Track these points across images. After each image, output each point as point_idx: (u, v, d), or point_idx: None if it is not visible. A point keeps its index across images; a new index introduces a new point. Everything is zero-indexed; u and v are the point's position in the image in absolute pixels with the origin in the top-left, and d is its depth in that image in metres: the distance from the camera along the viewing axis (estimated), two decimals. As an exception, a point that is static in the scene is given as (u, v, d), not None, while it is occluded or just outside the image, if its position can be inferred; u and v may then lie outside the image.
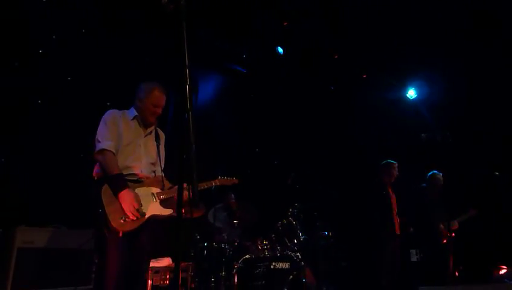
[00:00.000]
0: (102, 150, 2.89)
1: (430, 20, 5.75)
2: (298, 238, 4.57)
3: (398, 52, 6.41)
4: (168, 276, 4.32)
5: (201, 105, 6.02)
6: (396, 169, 5.38)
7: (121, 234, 2.75)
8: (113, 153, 2.91)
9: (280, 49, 6.35)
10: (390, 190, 5.36)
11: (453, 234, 5.44)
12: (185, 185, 2.93)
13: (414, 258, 5.54)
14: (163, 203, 3.04)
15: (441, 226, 5.31)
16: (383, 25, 5.94)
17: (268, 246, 4.48)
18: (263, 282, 4.07)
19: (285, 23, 5.91)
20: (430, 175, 5.66)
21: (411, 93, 7.31)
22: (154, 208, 2.98)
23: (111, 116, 3.05)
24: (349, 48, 6.45)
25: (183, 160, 1.76)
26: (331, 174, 6.79)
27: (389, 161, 5.45)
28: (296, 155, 6.80)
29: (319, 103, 7.18)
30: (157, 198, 3.03)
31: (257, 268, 4.17)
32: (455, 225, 5.42)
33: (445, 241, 5.31)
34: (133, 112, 3.15)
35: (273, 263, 4.16)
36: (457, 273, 4.84)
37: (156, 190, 3.06)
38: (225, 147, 6.25)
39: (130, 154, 3.01)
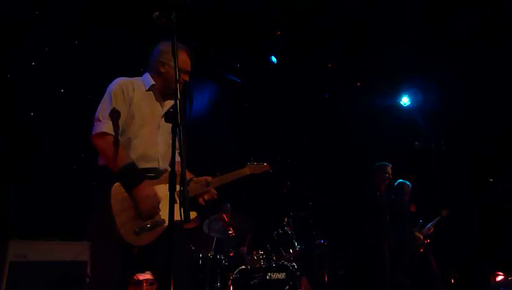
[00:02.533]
0: (103, 134, 2.21)
1: (424, 27, 5.81)
2: (294, 247, 4.56)
3: (392, 60, 6.45)
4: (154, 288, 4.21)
5: (196, 115, 6.02)
6: (390, 171, 5.26)
7: (136, 251, 2.15)
8: (117, 138, 2.23)
9: (274, 59, 6.38)
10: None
11: (428, 240, 5.46)
12: (208, 178, 2.52)
13: None
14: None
15: (416, 234, 5.31)
16: (377, 33, 5.99)
17: (264, 257, 4.45)
18: (259, 293, 4.05)
19: (278, 33, 5.94)
20: (398, 183, 5.66)
21: (405, 100, 7.35)
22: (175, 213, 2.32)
23: (118, 85, 2.33)
24: (343, 55, 6.49)
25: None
26: (327, 183, 6.80)
27: (382, 162, 5.34)
28: (291, 164, 6.81)
29: (313, 111, 7.20)
30: (177, 199, 2.22)
31: (253, 279, 4.15)
32: (430, 229, 5.43)
33: (422, 249, 5.33)
34: (149, 80, 2.44)
35: (269, 274, 4.15)
36: (453, 281, 4.82)
37: (176, 188, 2.34)
38: (220, 157, 6.24)
39: (144, 139, 2.32)
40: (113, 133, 2.22)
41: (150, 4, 2.27)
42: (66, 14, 4.49)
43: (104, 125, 2.22)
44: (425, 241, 5.50)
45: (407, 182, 5.58)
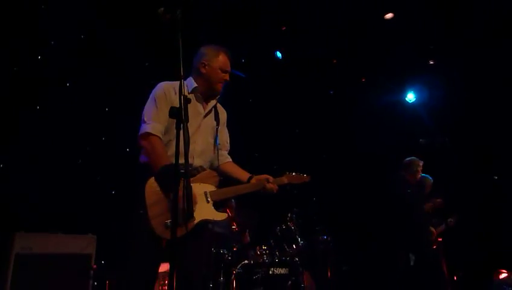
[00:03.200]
0: (148, 135, 2.37)
1: (429, 23, 5.77)
2: (297, 243, 4.57)
3: (397, 56, 6.42)
4: (166, 281, 4.29)
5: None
6: (421, 167, 5.09)
7: (164, 243, 2.23)
8: (160, 139, 2.39)
9: (279, 54, 6.37)
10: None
11: (440, 239, 5.41)
12: (270, 178, 2.73)
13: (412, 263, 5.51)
14: (217, 205, 2.48)
15: (431, 228, 5.25)
16: (382, 29, 5.96)
17: (267, 252, 4.46)
18: (262, 288, 4.06)
19: (283, 28, 5.92)
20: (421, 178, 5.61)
21: (410, 97, 7.31)
22: (205, 211, 2.39)
23: (162, 90, 2.48)
24: (348, 52, 6.46)
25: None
26: (330, 179, 6.79)
27: (413, 157, 5.17)
28: (295, 159, 6.80)
29: (318, 107, 7.18)
30: (210, 198, 2.44)
31: (256, 274, 4.16)
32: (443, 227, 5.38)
33: (435, 246, 5.29)
34: (192, 83, 2.59)
35: (272, 269, 4.16)
36: (455, 279, 4.82)
37: (210, 187, 2.47)
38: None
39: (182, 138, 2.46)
40: (156, 134, 2.38)
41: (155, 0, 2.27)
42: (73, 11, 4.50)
43: (149, 126, 2.38)
44: (438, 240, 5.44)
45: (429, 177, 5.47)
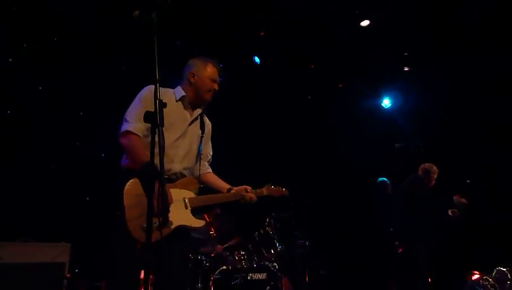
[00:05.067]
0: (128, 133, 2.38)
1: (404, 31, 5.90)
2: (275, 248, 4.57)
3: (373, 62, 6.54)
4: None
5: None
6: (436, 174, 5.18)
7: (139, 246, 2.21)
8: (140, 138, 2.39)
9: (257, 59, 6.38)
10: None
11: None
12: (248, 188, 2.87)
13: None
14: (195, 212, 2.49)
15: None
16: (358, 35, 6.05)
17: (245, 257, 4.45)
18: (240, 293, 4.04)
19: (262, 33, 5.95)
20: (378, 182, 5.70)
21: (386, 102, 7.45)
22: (183, 217, 2.41)
23: (149, 91, 2.48)
24: (325, 57, 6.54)
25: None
26: (308, 183, 6.83)
27: (432, 164, 5.24)
28: (273, 164, 6.82)
29: (296, 112, 7.23)
30: (189, 205, 2.47)
31: (234, 279, 4.14)
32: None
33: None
34: (180, 91, 2.65)
35: (250, 274, 4.14)
36: (430, 280, 4.90)
37: (189, 194, 2.51)
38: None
39: (168, 143, 2.39)
40: (137, 133, 2.39)
41: (130, 3, 2.25)
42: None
43: (130, 125, 2.40)
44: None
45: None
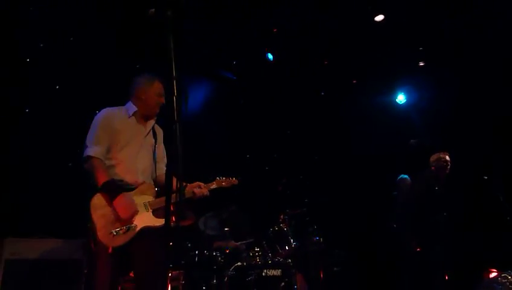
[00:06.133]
0: (88, 158, 2.71)
1: (419, 25, 5.82)
2: (290, 244, 4.57)
3: (388, 57, 6.47)
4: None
5: (192, 112, 6.00)
6: (448, 161, 5.09)
7: (110, 250, 2.55)
8: (101, 160, 2.71)
9: (270, 56, 6.37)
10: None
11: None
12: (201, 184, 3.08)
13: None
14: (156, 213, 2.80)
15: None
16: (372, 30, 5.99)
17: (260, 253, 4.46)
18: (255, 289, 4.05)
19: (274, 30, 5.93)
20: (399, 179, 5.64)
21: (400, 98, 7.36)
22: (146, 219, 2.74)
23: (103, 116, 2.85)
24: (339, 53, 6.49)
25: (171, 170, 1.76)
26: (322, 180, 6.81)
27: (436, 154, 5.18)
28: (287, 161, 6.81)
29: (309, 109, 7.20)
30: (149, 207, 2.80)
31: (249, 276, 4.15)
32: None
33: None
34: (132, 107, 2.95)
35: (265, 270, 4.15)
36: (446, 278, 4.85)
37: (148, 198, 2.84)
38: (215, 154, 6.23)
39: (126, 158, 2.82)
40: (97, 156, 2.71)
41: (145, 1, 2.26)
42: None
43: (90, 150, 2.72)
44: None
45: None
